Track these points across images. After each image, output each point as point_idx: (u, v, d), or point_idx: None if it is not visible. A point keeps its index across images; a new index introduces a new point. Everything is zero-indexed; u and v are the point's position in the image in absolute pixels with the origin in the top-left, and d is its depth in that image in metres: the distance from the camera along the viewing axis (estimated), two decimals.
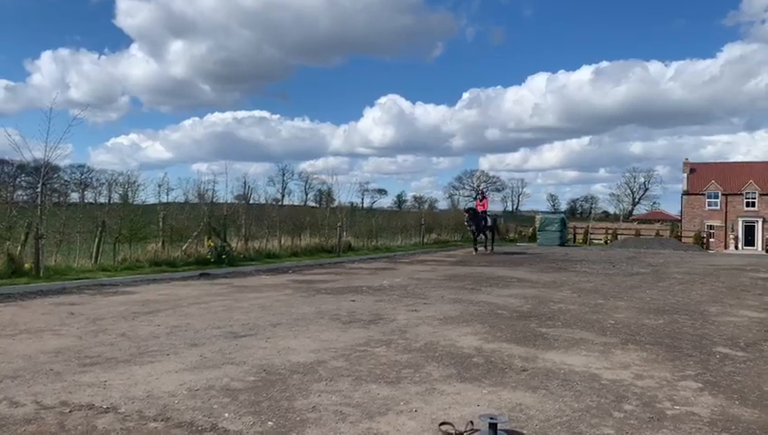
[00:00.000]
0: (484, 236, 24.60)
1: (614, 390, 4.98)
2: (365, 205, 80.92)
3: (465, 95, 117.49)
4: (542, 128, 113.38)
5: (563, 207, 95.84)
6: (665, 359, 6.18)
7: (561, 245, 32.22)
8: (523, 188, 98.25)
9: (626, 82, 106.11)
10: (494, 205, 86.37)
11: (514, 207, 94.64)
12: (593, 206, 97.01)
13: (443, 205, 66.35)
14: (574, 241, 37.70)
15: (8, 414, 4.14)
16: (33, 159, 13.66)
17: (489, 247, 24.59)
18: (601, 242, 38.89)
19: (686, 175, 57.15)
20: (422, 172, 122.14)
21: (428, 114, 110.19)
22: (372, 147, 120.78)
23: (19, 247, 11.97)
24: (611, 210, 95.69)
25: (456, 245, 29.60)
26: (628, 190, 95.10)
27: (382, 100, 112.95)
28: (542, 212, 59.29)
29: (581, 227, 41.55)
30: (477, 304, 9.82)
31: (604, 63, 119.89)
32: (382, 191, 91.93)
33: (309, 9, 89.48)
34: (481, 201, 24.34)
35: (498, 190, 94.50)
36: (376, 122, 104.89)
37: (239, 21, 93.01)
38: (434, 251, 24.97)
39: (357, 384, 5.01)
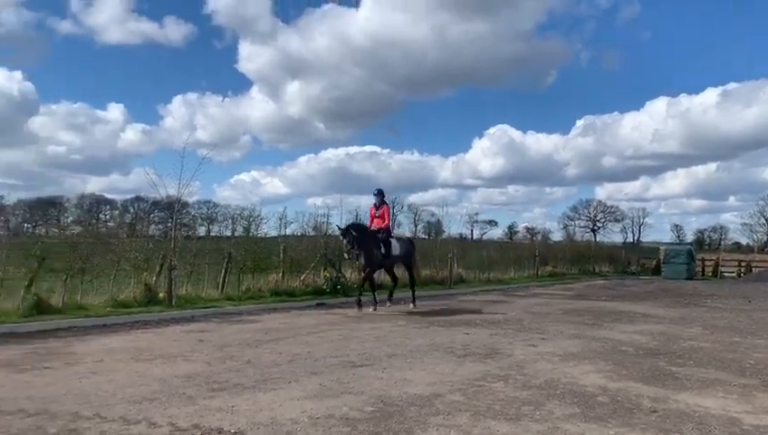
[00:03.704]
0: (392, 277, 14.83)
1: None
2: (475, 236, 79.97)
3: (579, 122, 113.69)
4: (663, 155, 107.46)
5: (689, 237, 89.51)
6: None
7: (689, 278, 30.15)
8: (644, 218, 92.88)
9: (757, 104, 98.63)
10: (614, 235, 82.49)
11: (635, 238, 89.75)
12: (723, 236, 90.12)
13: (557, 236, 64.23)
14: (703, 274, 35.14)
15: (146, 434, 4.43)
16: (166, 195, 14.77)
17: (389, 297, 14.07)
18: (733, 275, 35.98)
19: None
20: (534, 203, 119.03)
21: (540, 143, 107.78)
22: (481, 178, 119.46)
23: (154, 278, 12.92)
24: (744, 241, 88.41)
25: (573, 277, 28.53)
26: (763, 219, 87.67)
27: (492, 130, 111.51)
28: (666, 243, 55.95)
29: (710, 259, 38.70)
30: (599, 340, 9.37)
31: (732, 85, 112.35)
32: (492, 222, 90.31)
33: (417, 44, 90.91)
34: (377, 208, 13.69)
35: (617, 220, 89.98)
36: (485, 153, 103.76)
37: (351, 60, 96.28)
38: (549, 284, 24.16)
39: (475, 420, 4.91)
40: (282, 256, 15.79)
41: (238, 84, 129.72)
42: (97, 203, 77.23)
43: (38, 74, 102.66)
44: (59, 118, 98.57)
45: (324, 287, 15.76)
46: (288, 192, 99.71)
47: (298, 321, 11.11)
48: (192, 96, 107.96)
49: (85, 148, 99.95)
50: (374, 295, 13.42)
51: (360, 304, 12.84)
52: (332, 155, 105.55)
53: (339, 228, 13.23)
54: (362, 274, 13.52)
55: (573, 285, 24.45)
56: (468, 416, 5.01)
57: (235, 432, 4.49)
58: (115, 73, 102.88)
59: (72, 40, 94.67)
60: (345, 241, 12.79)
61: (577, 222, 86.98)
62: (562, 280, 26.66)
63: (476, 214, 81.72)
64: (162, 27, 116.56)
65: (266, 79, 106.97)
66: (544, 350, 8.34)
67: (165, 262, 12.82)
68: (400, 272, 15.56)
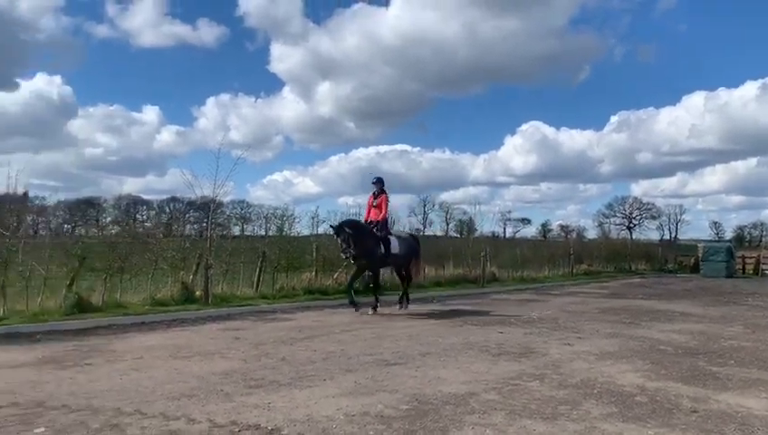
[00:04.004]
0: (400, 278, 13.68)
1: None
2: (507, 234, 79.23)
3: (614, 118, 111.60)
4: (700, 150, 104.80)
5: (728, 234, 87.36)
6: None
7: (729, 276, 29.42)
8: (681, 215, 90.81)
9: None
10: (650, 232, 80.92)
11: (673, 235, 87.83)
12: (764, 233, 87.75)
13: (592, 234, 63.19)
14: (743, 272, 34.24)
15: (186, 430, 4.51)
16: (201, 196, 14.99)
17: (403, 301, 13.14)
18: None
19: None
20: (568, 200, 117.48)
21: (573, 140, 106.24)
22: (514, 175, 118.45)
23: (191, 276, 13.13)
24: None
25: (608, 276, 28.08)
26: None
27: (524, 127, 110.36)
28: (704, 241, 54.65)
29: (751, 257, 37.61)
30: (637, 339, 9.22)
31: None
32: (525, 220, 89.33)
33: (447, 41, 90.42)
34: (376, 197, 12.90)
35: (654, 217, 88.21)
36: (517, 150, 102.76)
37: (381, 59, 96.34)
38: (584, 283, 23.82)
39: (511, 419, 4.88)
40: (315, 254, 15.89)
41: (270, 85, 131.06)
42: (134, 203, 78.79)
43: (76, 78, 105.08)
44: (96, 120, 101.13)
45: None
46: (319, 191, 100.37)
47: (331, 319, 11.18)
48: (225, 97, 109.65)
49: (122, 149, 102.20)
50: (376, 297, 12.58)
51: (354, 305, 12.05)
52: (363, 154, 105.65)
53: (331, 227, 12.44)
54: (360, 272, 13.03)
55: (609, 283, 24.09)
56: (504, 415, 4.98)
57: (272, 429, 4.54)
58: (150, 76, 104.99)
59: (108, 44, 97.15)
60: (339, 240, 11.95)
61: (612, 219, 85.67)
62: (598, 278, 26.27)
63: (509, 212, 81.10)
64: (195, 29, 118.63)
65: (298, 79, 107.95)
66: (580, 349, 8.24)
67: (201, 261, 13.02)
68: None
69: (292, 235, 17.88)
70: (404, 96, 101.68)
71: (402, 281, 13.66)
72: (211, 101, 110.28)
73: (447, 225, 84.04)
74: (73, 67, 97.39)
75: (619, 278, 27.27)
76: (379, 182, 12.91)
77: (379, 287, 13.06)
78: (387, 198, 12.94)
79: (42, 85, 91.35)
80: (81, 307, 10.65)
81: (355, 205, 27.75)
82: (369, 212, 12.96)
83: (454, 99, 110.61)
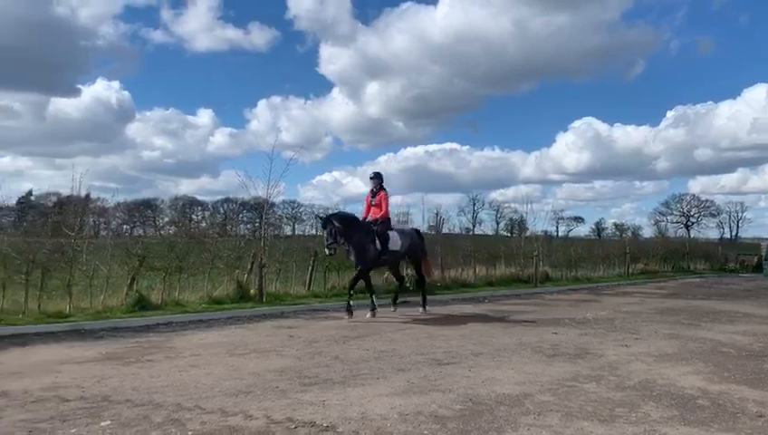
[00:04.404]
0: (396, 277, 13.20)
1: None
2: (560, 233, 77.82)
3: (670, 114, 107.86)
4: (763, 145, 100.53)
5: None
6: None
7: None
8: (742, 212, 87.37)
9: None
10: (709, 231, 78.17)
11: (733, 233, 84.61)
12: None
13: (648, 232, 61.41)
14: None
15: (244, 426, 4.61)
16: (255, 196, 15.27)
17: (394, 301, 12.52)
18: None
19: None
20: (623, 198, 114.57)
21: (628, 136, 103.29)
22: (566, 173, 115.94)
23: (246, 275, 13.41)
24: None
25: (666, 276, 27.26)
26: None
27: (576, 123, 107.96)
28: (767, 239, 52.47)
29: None
30: (697, 340, 8.94)
31: None
32: (579, 219, 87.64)
33: (497, 38, 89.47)
34: (374, 195, 12.07)
35: (713, 215, 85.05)
36: (569, 147, 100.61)
37: (430, 57, 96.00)
38: (641, 283, 23.19)
39: (567, 420, 4.81)
40: None
41: (320, 86, 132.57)
42: (189, 204, 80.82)
43: (133, 83, 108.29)
44: (153, 124, 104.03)
45: (408, 285, 15.81)
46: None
47: (382, 318, 11.21)
48: (276, 99, 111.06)
49: (177, 152, 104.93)
50: (372, 299, 11.53)
51: (349, 311, 11.14)
52: (411, 153, 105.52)
53: (319, 218, 11.64)
54: (358, 273, 11.59)
55: (667, 283, 23.40)
56: (560, 417, 4.91)
57: (327, 426, 4.60)
58: (204, 80, 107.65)
59: (164, 49, 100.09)
60: (326, 233, 11.10)
61: (669, 217, 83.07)
62: (655, 278, 25.53)
63: (561, 210, 79.57)
64: (247, 33, 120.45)
65: (346, 80, 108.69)
66: (638, 350, 8.05)
67: (255, 260, 13.28)
68: (409, 271, 14.46)
69: None
70: (453, 94, 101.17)
71: (400, 280, 12.99)
72: (262, 103, 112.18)
73: (498, 224, 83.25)
74: (131, 72, 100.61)
75: (677, 278, 26.45)
76: (376, 178, 12.09)
77: (372, 289, 11.84)
78: (386, 194, 12.06)
79: (101, 91, 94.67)
80: (142, 305, 11.02)
81: (404, 204, 27.74)
82: (367, 211, 12.05)
83: (504, 96, 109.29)
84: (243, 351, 7.75)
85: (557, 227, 79.97)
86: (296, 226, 75.90)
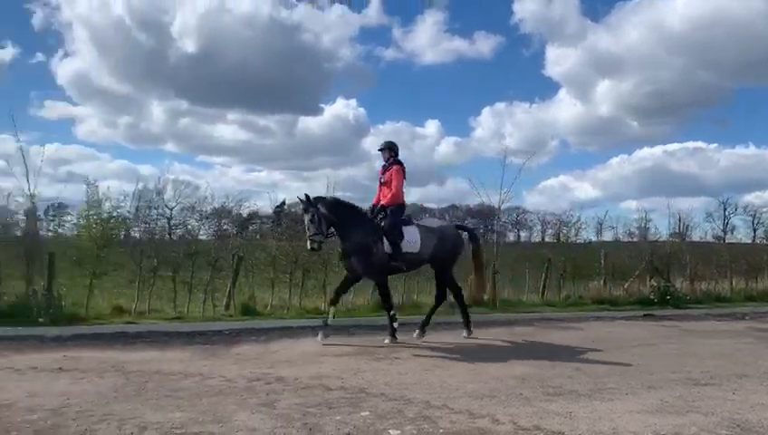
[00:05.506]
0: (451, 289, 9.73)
1: None
2: None
3: None
4: None
5: None
6: None
7: None
8: None
9: None
10: None
11: None
12: None
13: None
14: None
15: (492, 429, 4.70)
16: (479, 203, 15.50)
17: (423, 325, 9.30)
18: None
19: None
20: None
21: None
22: None
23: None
24: None
25: None
26: None
27: None
28: None
29: None
30: None
31: None
32: None
33: (747, 21, 78.67)
34: (385, 171, 9.16)
35: None
36: None
37: (668, 49, 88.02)
38: None
39: None
40: (603, 262, 15.28)
41: (545, 89, 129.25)
42: (419, 211, 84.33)
43: (367, 99, 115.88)
44: (385, 137, 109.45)
45: (651, 297, 14.79)
46: (597, 196, 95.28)
47: (625, 332, 10.62)
48: (500, 106, 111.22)
49: (407, 162, 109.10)
50: (390, 319, 8.86)
51: (324, 326, 8.83)
52: (648, 154, 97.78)
53: (300, 201, 8.58)
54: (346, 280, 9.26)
55: None
56: None
57: None
58: (431, 92, 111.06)
59: (394, 65, 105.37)
60: (306, 219, 8.43)
61: None
62: None
63: None
64: (472, 43, 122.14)
65: (574, 80, 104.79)
66: None
67: (488, 266, 13.46)
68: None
69: (577, 241, 17.44)
70: (695, 87, 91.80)
71: (454, 292, 9.62)
72: (486, 110, 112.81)
73: (755, 231, 73.37)
74: (366, 89, 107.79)
75: None
76: (388, 149, 9.17)
77: (389, 301, 9.04)
78: (400, 169, 9.02)
79: (340, 108, 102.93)
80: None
81: (641, 209, 25.88)
82: (379, 193, 9.21)
83: (758, 86, 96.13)
84: (483, 356, 7.89)
85: None
86: (521, 232, 74.96)
